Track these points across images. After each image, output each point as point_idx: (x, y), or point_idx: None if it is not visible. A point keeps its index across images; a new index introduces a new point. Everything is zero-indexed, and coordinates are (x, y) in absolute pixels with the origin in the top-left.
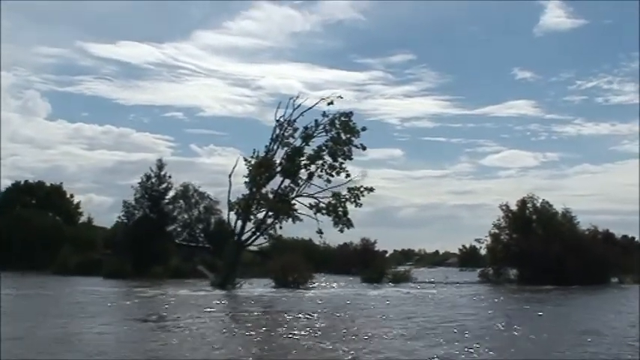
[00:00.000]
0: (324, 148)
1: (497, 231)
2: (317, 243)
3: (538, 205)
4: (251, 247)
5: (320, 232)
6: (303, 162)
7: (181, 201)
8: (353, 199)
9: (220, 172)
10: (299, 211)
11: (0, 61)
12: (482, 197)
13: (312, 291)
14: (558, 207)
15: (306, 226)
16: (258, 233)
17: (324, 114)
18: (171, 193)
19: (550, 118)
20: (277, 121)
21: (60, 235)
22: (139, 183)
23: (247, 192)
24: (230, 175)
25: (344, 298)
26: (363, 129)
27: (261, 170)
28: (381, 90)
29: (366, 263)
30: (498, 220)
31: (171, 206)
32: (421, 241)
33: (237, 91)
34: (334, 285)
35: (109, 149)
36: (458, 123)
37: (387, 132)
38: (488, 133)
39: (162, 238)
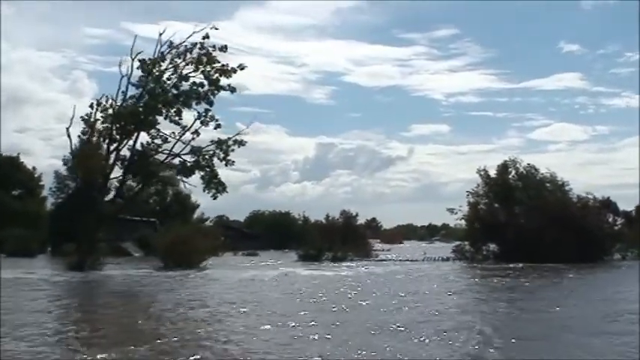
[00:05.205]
0: (170, 88)
1: (475, 200)
2: (296, 216)
3: (522, 169)
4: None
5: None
6: (155, 107)
7: None
8: (222, 156)
9: (265, 150)
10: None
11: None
12: None
13: (199, 272)
14: (606, 181)
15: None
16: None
17: (170, 44)
18: None
19: (598, 90)
20: (137, 60)
21: (4, 210)
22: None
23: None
24: (68, 128)
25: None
26: (241, 67)
27: (118, 123)
28: (425, 65)
29: (346, 240)
30: (477, 186)
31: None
32: None
33: (281, 69)
34: (236, 266)
35: None
36: (504, 97)
37: (433, 107)
38: (536, 107)
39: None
